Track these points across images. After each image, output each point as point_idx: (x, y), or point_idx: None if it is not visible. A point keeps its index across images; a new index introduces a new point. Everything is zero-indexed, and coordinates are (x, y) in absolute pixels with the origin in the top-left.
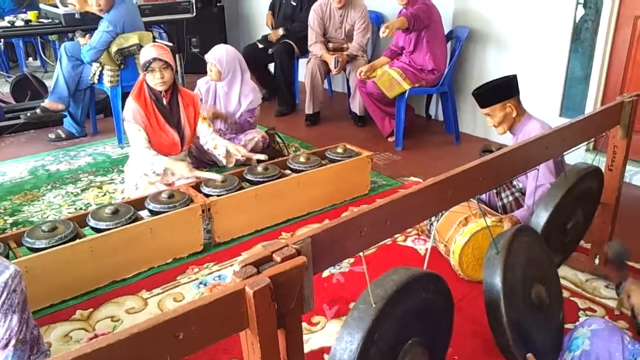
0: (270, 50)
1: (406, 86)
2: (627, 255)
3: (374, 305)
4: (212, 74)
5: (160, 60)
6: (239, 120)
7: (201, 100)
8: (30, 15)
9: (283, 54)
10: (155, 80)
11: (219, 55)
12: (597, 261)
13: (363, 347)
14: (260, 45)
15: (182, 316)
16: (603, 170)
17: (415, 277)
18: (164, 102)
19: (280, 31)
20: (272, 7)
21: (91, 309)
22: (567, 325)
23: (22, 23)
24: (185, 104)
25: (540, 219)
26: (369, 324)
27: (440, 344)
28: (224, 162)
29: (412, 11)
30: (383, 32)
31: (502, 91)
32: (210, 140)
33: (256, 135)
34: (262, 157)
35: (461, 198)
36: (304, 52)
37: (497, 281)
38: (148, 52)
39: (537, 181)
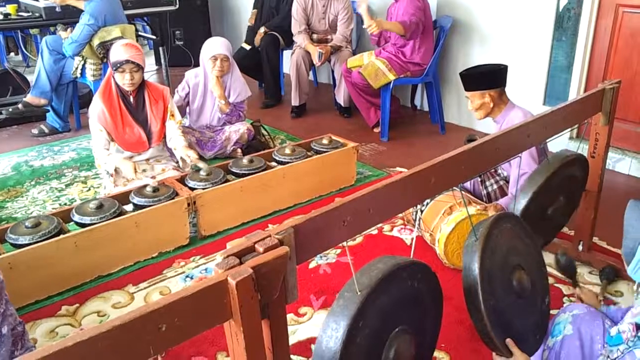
0: (258, 47)
1: (391, 77)
2: (574, 266)
3: (359, 293)
4: (222, 69)
5: (132, 62)
6: (229, 112)
7: (187, 94)
8: (10, 8)
9: (269, 46)
10: (124, 81)
11: (226, 48)
12: (580, 247)
13: (349, 335)
14: (248, 47)
15: (165, 308)
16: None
17: (401, 265)
18: (131, 99)
19: (262, 30)
20: (256, 3)
21: (77, 305)
22: (551, 312)
23: (1, 17)
24: (154, 100)
25: (519, 204)
26: (355, 312)
27: (428, 333)
28: (180, 164)
29: (410, 18)
30: (369, 26)
31: (487, 80)
32: (173, 140)
33: (242, 127)
34: (202, 165)
35: (444, 186)
36: (290, 44)
37: (475, 267)
38: (120, 52)
39: (519, 169)
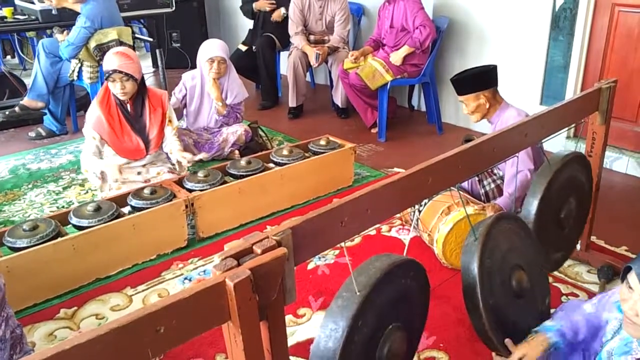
0: (254, 48)
1: (389, 77)
2: None
3: (358, 293)
4: (219, 71)
5: (121, 72)
6: (227, 114)
7: (184, 96)
8: (6, 11)
9: (265, 48)
10: (116, 90)
11: (223, 50)
12: (578, 247)
13: (348, 335)
14: (244, 48)
15: (163, 310)
16: None
17: (396, 263)
18: (128, 108)
19: (283, 10)
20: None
21: (75, 308)
22: (552, 310)
23: None
24: (153, 107)
25: (531, 207)
26: (354, 312)
27: (417, 328)
28: (177, 167)
29: (418, 36)
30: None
31: (478, 82)
32: (169, 144)
33: (239, 129)
34: (201, 156)
35: (441, 186)
36: (286, 46)
37: (474, 267)
38: (110, 61)
39: (516, 168)
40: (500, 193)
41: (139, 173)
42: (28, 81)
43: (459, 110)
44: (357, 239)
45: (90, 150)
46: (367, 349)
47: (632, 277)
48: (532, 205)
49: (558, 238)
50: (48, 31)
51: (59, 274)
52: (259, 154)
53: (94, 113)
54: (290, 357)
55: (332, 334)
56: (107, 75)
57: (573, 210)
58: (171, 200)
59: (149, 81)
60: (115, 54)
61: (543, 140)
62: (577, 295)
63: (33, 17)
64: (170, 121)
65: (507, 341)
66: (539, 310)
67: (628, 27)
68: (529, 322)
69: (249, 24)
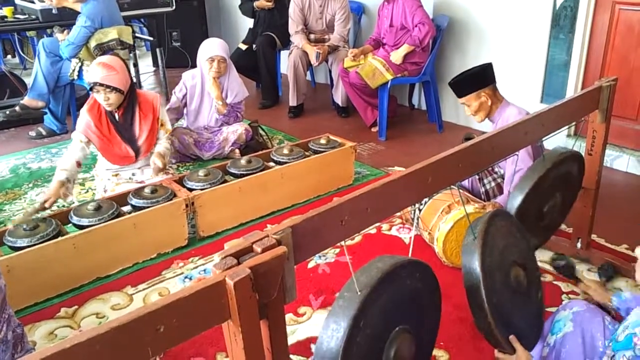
0: (255, 47)
1: (389, 76)
2: (572, 265)
3: (358, 293)
4: (219, 70)
5: (102, 85)
6: (227, 113)
7: (184, 96)
8: (6, 11)
9: (265, 47)
10: (100, 102)
11: (223, 49)
12: (579, 245)
13: (349, 335)
14: (244, 47)
15: (163, 309)
16: (583, 155)
17: (400, 264)
18: (116, 116)
19: None
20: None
21: (76, 307)
22: (550, 309)
23: None
24: (143, 114)
25: (515, 201)
26: (355, 312)
27: (428, 331)
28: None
29: (419, 34)
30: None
31: (477, 81)
32: (157, 145)
33: (239, 128)
34: (153, 178)
35: (441, 185)
36: (286, 44)
37: (476, 266)
38: (93, 73)
39: (515, 166)
40: (501, 191)
41: (133, 174)
42: (28, 80)
43: (460, 108)
44: (358, 238)
45: (73, 156)
46: (371, 350)
47: None
48: (516, 199)
49: (534, 228)
50: (48, 30)
51: (59, 273)
52: (260, 153)
53: (84, 120)
54: (291, 356)
55: (334, 334)
56: (90, 87)
57: (557, 205)
58: (171, 199)
59: (149, 80)
60: (98, 64)
61: (543, 139)
62: (577, 294)
63: (33, 17)
64: (162, 125)
65: (512, 338)
66: (535, 305)
67: (628, 24)
68: (529, 316)
69: (249, 22)
